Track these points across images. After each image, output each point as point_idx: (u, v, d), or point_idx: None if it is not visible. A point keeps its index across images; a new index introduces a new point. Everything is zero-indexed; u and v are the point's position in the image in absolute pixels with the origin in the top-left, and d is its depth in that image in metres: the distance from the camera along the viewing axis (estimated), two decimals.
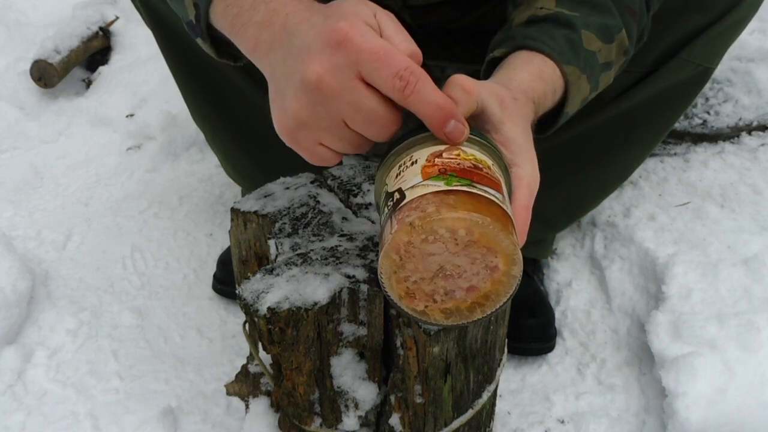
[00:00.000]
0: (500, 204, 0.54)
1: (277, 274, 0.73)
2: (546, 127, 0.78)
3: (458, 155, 0.56)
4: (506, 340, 0.87)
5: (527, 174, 0.62)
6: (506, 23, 0.80)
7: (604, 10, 0.76)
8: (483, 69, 0.78)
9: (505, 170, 0.61)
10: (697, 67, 0.99)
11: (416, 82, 0.54)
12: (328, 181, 0.92)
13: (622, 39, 0.77)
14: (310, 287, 0.71)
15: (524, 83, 0.68)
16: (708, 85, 1.55)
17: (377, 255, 0.59)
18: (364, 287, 0.71)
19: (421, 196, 0.53)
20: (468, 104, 0.59)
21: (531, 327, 1.20)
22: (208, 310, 1.34)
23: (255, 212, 0.85)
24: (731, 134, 1.54)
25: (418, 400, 0.76)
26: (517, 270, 0.54)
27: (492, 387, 0.85)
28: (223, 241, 1.50)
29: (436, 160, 0.55)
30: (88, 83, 2.12)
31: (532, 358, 1.21)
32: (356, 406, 0.77)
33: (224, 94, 1.19)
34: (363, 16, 0.56)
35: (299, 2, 0.63)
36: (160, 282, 1.41)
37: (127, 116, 1.93)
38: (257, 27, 0.63)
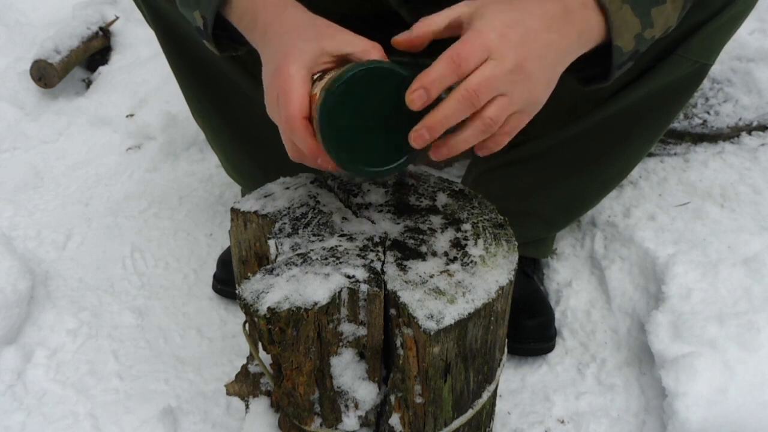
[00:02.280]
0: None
1: (277, 274, 0.73)
2: (606, 73, 0.78)
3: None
4: (506, 340, 0.87)
5: (476, 26, 0.68)
6: None
7: None
8: None
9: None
10: (695, 64, 0.99)
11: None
12: (328, 181, 0.92)
13: None
14: (310, 287, 0.71)
15: None
16: (708, 85, 1.55)
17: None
18: (364, 287, 0.71)
19: None
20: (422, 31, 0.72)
21: (531, 327, 1.20)
22: (208, 310, 1.34)
23: (255, 212, 0.85)
24: (731, 134, 1.54)
25: (418, 400, 0.76)
26: None
27: (492, 387, 0.85)
28: (223, 241, 1.50)
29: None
30: (88, 83, 2.12)
31: (532, 358, 1.21)
32: (356, 406, 0.77)
33: (225, 94, 1.19)
34: (308, 59, 0.71)
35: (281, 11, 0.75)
36: (160, 282, 1.41)
37: (127, 116, 1.93)
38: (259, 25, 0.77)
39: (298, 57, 0.71)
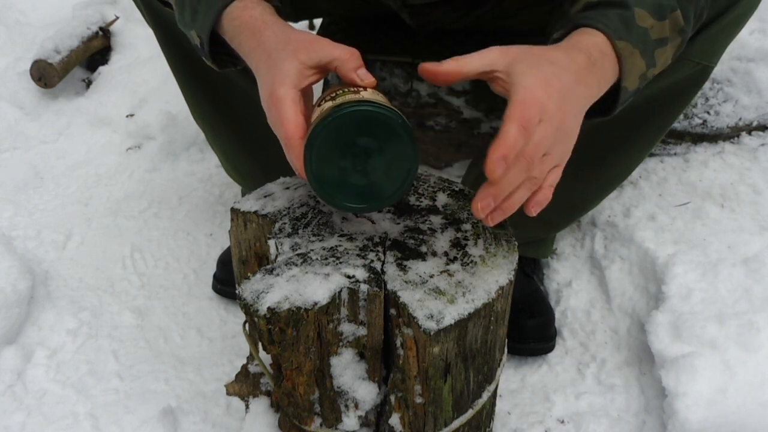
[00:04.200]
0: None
1: (277, 274, 0.73)
2: (610, 108, 0.82)
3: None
4: (506, 340, 0.87)
5: (521, 85, 0.69)
6: (564, 16, 0.84)
7: None
8: None
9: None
10: (697, 65, 0.99)
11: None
12: None
13: (676, 18, 0.81)
14: (310, 287, 0.71)
15: (570, 41, 0.76)
16: (708, 85, 1.55)
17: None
18: (364, 287, 0.71)
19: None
20: (451, 70, 0.73)
21: (531, 327, 1.20)
22: (208, 310, 1.34)
23: (255, 212, 0.85)
24: (731, 134, 1.54)
25: (418, 400, 0.76)
26: None
27: (492, 387, 0.85)
28: (223, 241, 1.50)
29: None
30: (88, 83, 2.12)
31: (532, 358, 1.21)
32: (356, 406, 0.78)
33: (225, 94, 1.19)
34: (293, 78, 0.74)
35: (265, 31, 0.79)
36: (160, 282, 1.41)
37: (127, 116, 1.93)
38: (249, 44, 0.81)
39: (282, 80, 0.74)
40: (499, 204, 0.70)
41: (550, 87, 0.70)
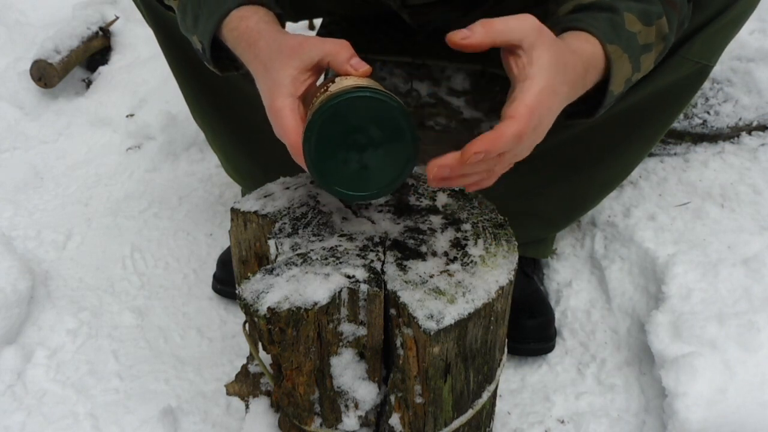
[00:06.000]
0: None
1: (277, 274, 0.73)
2: (594, 109, 0.82)
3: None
4: (506, 340, 0.87)
5: (537, 85, 0.69)
6: (551, 17, 0.84)
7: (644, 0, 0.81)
8: None
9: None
10: (696, 65, 0.99)
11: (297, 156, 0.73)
12: None
13: (662, 24, 0.82)
14: (310, 287, 0.71)
15: (573, 45, 0.75)
16: (708, 85, 1.55)
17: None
18: (364, 287, 0.71)
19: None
20: (482, 40, 0.71)
21: (531, 327, 1.20)
22: (208, 310, 1.34)
23: (255, 212, 0.85)
24: (731, 134, 1.54)
25: (418, 400, 0.76)
26: None
27: (492, 387, 0.85)
28: (223, 241, 1.50)
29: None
30: (88, 83, 2.12)
31: (532, 358, 1.21)
32: (356, 406, 0.77)
33: (225, 94, 1.19)
34: (288, 87, 0.75)
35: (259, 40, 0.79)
36: (160, 282, 1.41)
37: (127, 116, 1.93)
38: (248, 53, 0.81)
39: (278, 91, 0.75)
40: (450, 176, 0.70)
41: (554, 97, 0.70)
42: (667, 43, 0.84)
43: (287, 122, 0.74)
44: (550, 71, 0.70)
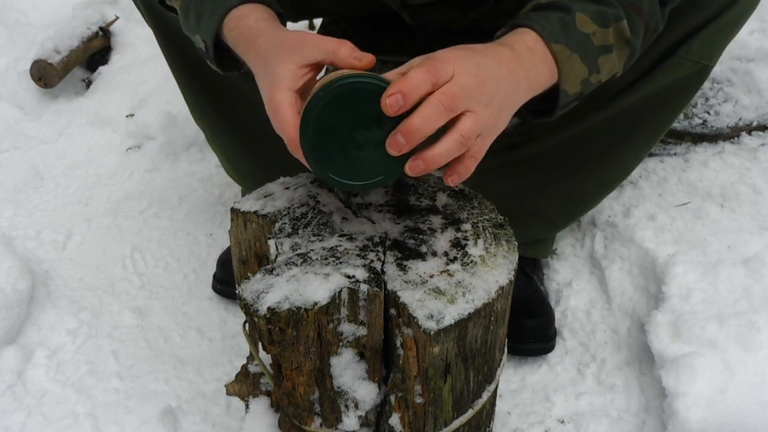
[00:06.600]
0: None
1: (277, 274, 0.73)
2: (551, 110, 0.82)
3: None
4: (506, 340, 0.87)
5: (443, 51, 0.72)
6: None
7: (603, 2, 0.81)
8: None
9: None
10: (696, 65, 0.99)
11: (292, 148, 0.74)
12: None
13: (622, 28, 0.81)
14: (310, 287, 0.71)
15: (505, 40, 0.78)
16: (708, 85, 1.55)
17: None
18: (364, 287, 0.71)
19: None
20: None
21: (531, 327, 1.20)
22: (208, 310, 1.34)
23: (255, 212, 0.85)
24: (731, 134, 1.54)
25: (418, 400, 0.76)
26: None
27: (492, 387, 0.85)
28: (223, 241, 1.50)
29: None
30: (88, 83, 2.12)
31: (532, 358, 1.21)
32: (356, 406, 0.78)
33: (224, 94, 1.19)
34: (287, 82, 0.75)
35: (259, 38, 0.80)
36: (160, 282, 1.41)
37: (127, 116, 1.93)
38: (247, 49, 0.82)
39: (278, 85, 0.75)
40: (421, 154, 0.69)
41: (464, 59, 0.71)
42: (633, 48, 0.84)
43: (286, 116, 0.74)
44: (449, 50, 0.72)
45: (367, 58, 0.74)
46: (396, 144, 0.68)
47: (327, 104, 0.69)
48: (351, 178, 0.73)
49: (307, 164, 0.73)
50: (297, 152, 0.73)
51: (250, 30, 0.81)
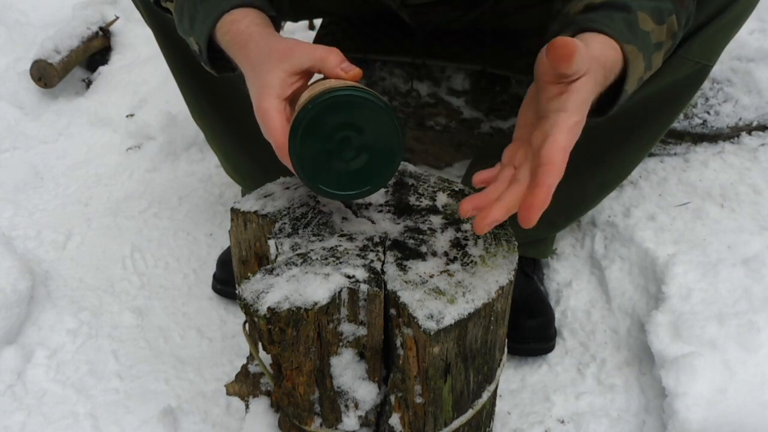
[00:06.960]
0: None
1: (277, 274, 0.73)
2: (606, 108, 0.82)
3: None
4: (506, 340, 0.87)
5: (571, 119, 0.69)
6: (559, 16, 0.83)
7: None
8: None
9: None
10: (696, 65, 0.99)
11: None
12: None
13: (672, 22, 0.82)
14: (310, 287, 0.71)
15: (596, 51, 0.74)
16: (708, 85, 1.55)
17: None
18: (364, 287, 0.71)
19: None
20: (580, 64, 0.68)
21: (531, 327, 1.20)
22: (208, 310, 1.34)
23: (255, 212, 0.85)
24: (731, 134, 1.54)
25: (418, 400, 0.76)
26: None
27: (492, 387, 0.85)
28: (223, 241, 1.50)
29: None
30: (88, 83, 2.12)
31: (532, 358, 1.21)
32: (356, 406, 0.78)
33: (224, 94, 1.19)
34: (276, 89, 0.76)
35: (250, 42, 0.80)
36: (160, 282, 1.41)
37: (127, 116, 1.93)
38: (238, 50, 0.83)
39: (266, 92, 0.76)
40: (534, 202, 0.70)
41: (581, 124, 0.70)
42: (675, 41, 0.85)
43: (274, 123, 0.75)
44: (586, 103, 0.70)
45: (354, 71, 0.75)
46: (528, 220, 0.70)
47: (314, 117, 0.70)
48: (339, 189, 0.74)
49: (296, 174, 0.74)
50: (285, 159, 0.74)
51: (241, 35, 0.82)
